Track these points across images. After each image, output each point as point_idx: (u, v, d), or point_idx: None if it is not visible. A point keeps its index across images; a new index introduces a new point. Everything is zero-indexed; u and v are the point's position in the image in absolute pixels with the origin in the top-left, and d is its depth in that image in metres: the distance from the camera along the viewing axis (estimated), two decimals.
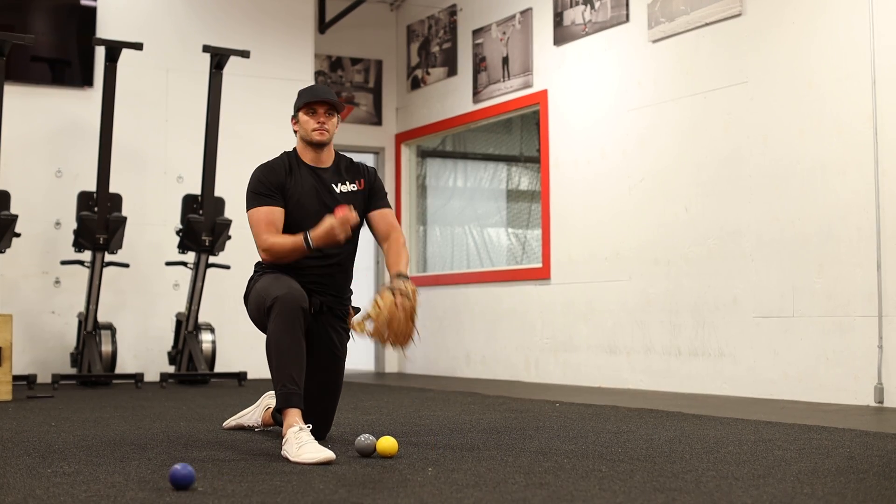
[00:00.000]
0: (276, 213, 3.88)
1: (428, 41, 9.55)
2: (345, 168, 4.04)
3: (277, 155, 4.05)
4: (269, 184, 3.90)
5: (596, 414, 5.15)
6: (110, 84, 7.51)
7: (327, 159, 4.02)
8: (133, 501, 2.68)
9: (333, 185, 3.97)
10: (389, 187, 9.93)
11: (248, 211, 3.93)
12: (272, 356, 3.64)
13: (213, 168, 7.71)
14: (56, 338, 8.01)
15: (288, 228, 3.89)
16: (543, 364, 7.98)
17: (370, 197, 4.03)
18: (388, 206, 4.08)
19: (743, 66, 6.43)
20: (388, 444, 3.48)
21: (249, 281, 3.99)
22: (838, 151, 5.86)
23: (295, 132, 4.04)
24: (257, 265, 4.01)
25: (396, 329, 3.67)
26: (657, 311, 6.97)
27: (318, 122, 3.94)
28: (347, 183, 4.00)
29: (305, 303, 3.69)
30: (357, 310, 4.05)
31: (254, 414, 4.41)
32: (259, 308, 3.78)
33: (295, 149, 4.06)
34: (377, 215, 4.03)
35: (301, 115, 3.98)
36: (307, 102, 3.94)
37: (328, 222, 3.73)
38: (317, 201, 3.91)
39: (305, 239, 3.76)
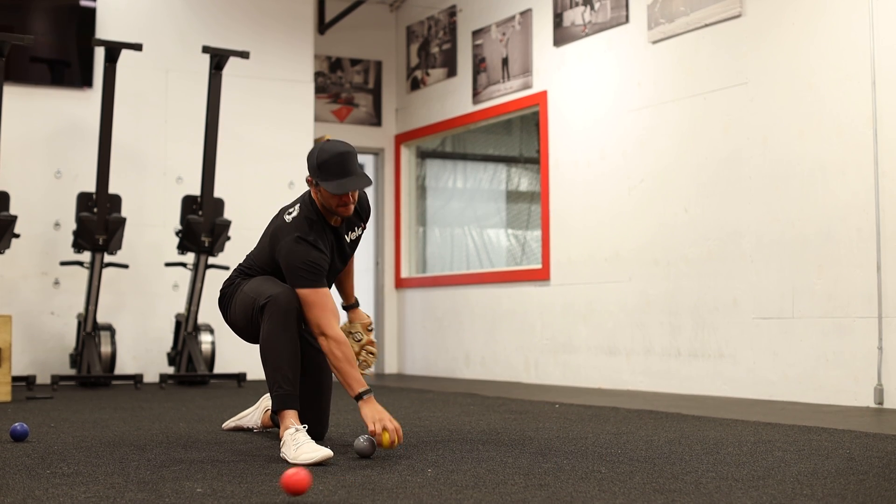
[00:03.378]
0: (331, 297, 3.70)
1: (427, 42, 9.54)
2: (354, 214, 3.90)
3: (300, 209, 3.74)
4: (322, 264, 3.68)
5: (595, 415, 5.15)
6: (110, 85, 7.51)
7: None
8: (132, 502, 2.67)
9: (346, 236, 3.89)
10: (389, 188, 9.93)
11: (301, 287, 3.63)
12: (267, 357, 3.64)
13: (213, 169, 7.71)
14: (55, 339, 8.00)
15: None
16: (543, 365, 7.98)
17: None
18: None
19: (743, 67, 6.43)
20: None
21: (228, 285, 3.92)
22: (838, 152, 5.85)
23: (309, 186, 3.76)
24: (240, 270, 3.94)
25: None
26: (657, 312, 6.97)
27: (343, 202, 3.69)
28: (356, 228, 3.93)
29: (298, 303, 3.67)
30: None
31: (253, 415, 4.41)
32: (248, 308, 3.74)
33: (315, 205, 3.77)
34: None
35: (323, 190, 3.68)
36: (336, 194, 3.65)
37: (382, 430, 3.51)
38: (333, 257, 3.84)
39: (358, 395, 3.58)
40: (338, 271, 3.94)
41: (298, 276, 3.65)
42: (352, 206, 3.72)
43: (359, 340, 3.96)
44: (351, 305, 4.08)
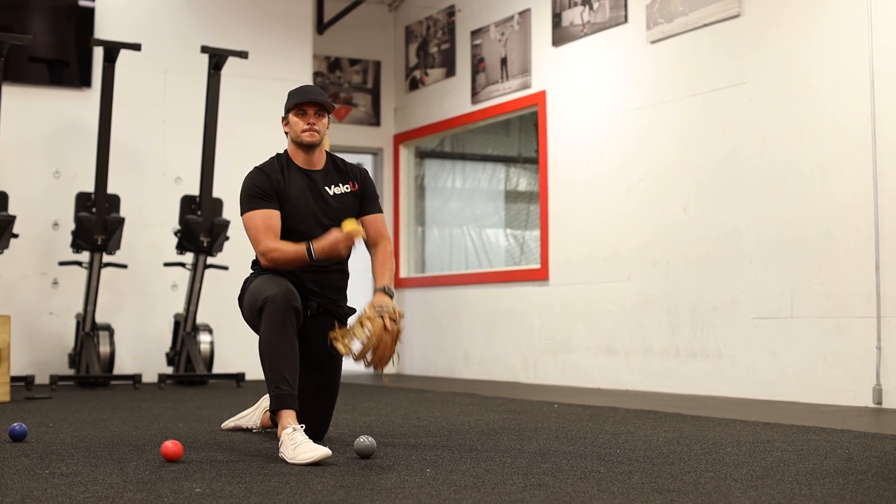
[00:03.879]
0: (274, 217, 3.85)
1: (426, 42, 9.54)
2: (336, 169, 4.03)
3: (269, 158, 4.02)
4: (263, 186, 3.87)
5: (594, 415, 5.15)
6: (108, 85, 7.51)
7: (319, 161, 3.99)
8: (131, 502, 2.67)
9: (326, 188, 3.96)
10: (388, 188, 9.93)
11: (242, 215, 3.89)
12: (265, 357, 3.65)
13: (212, 169, 7.71)
14: (54, 339, 8.00)
15: (280, 233, 3.88)
16: (542, 365, 7.98)
17: (362, 199, 4.03)
18: (379, 209, 4.10)
19: (741, 66, 6.43)
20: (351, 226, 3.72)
21: (245, 282, 3.99)
22: (837, 152, 5.86)
23: (286, 133, 4.00)
24: (254, 265, 4.01)
25: (381, 353, 3.70)
26: (656, 311, 6.97)
27: (308, 124, 3.90)
28: (340, 185, 3.99)
29: (297, 302, 3.69)
30: (353, 310, 4.04)
31: (253, 416, 4.41)
32: (251, 309, 3.79)
33: (286, 151, 4.02)
34: (368, 220, 4.05)
35: (291, 117, 3.94)
36: (296, 104, 3.91)
37: (333, 236, 3.74)
38: (308, 205, 3.90)
39: (308, 250, 3.74)
40: (324, 227, 3.86)
41: (243, 202, 3.89)
42: (317, 135, 3.91)
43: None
44: (375, 289, 3.89)
